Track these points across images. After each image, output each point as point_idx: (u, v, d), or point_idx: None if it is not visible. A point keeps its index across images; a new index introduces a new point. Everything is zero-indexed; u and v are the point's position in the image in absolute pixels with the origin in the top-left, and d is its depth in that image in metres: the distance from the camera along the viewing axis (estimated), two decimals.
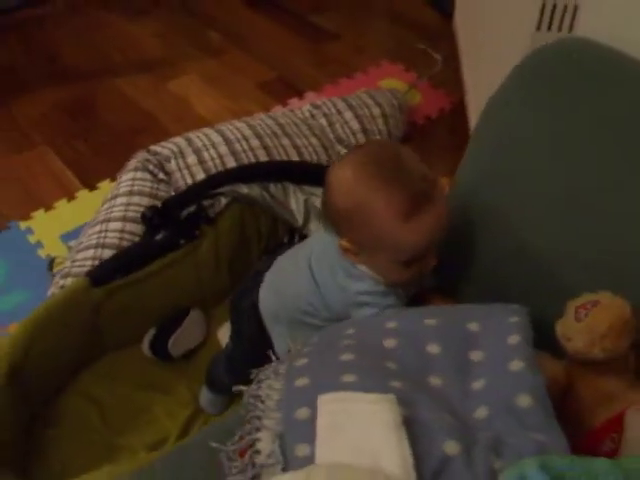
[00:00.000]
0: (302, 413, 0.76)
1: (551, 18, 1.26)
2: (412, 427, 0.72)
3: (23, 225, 1.94)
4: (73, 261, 1.59)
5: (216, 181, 1.59)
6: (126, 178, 1.74)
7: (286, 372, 0.83)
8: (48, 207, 2.01)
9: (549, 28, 1.28)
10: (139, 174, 1.73)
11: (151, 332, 1.50)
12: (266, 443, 0.76)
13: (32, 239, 1.90)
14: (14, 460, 1.28)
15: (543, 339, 0.90)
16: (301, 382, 0.80)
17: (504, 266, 1.05)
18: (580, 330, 0.86)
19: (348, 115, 2.04)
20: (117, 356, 1.50)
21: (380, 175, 0.95)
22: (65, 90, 2.49)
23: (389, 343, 0.86)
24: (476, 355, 0.84)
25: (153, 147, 1.85)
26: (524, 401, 0.76)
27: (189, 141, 1.87)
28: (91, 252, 1.58)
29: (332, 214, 1.02)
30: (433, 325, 0.88)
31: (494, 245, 1.06)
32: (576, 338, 0.86)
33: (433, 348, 0.85)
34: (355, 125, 2.03)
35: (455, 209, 1.10)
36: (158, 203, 1.56)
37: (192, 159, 1.82)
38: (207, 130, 1.92)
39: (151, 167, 1.77)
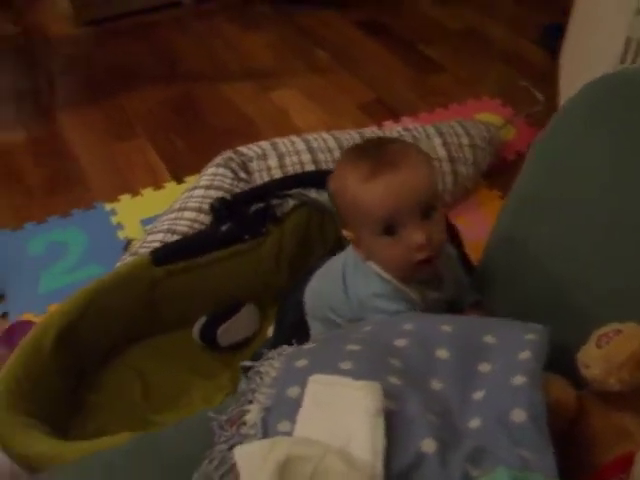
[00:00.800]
0: (293, 391, 0.76)
1: (636, 52, 1.23)
2: (395, 420, 0.72)
3: (108, 206, 2.04)
4: (143, 242, 1.66)
5: (288, 182, 1.62)
6: (208, 172, 1.81)
7: (290, 353, 0.84)
8: (135, 193, 2.10)
9: (633, 61, 1.25)
10: (221, 170, 1.80)
11: (203, 319, 1.54)
12: (253, 415, 0.77)
13: (114, 220, 2.00)
14: (54, 417, 1.33)
15: (568, 369, 0.88)
16: (300, 363, 0.81)
17: (541, 291, 1.02)
18: (598, 357, 0.82)
19: (437, 141, 2.04)
20: (169, 337, 1.54)
21: (354, 155, 1.06)
22: (174, 89, 2.61)
23: (400, 342, 0.85)
24: (484, 367, 0.83)
25: (240, 148, 1.92)
26: (519, 416, 0.74)
27: (274, 146, 1.93)
28: (160, 236, 1.65)
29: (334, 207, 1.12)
30: (448, 332, 0.86)
31: (534, 269, 1.03)
32: (594, 365, 0.83)
33: (442, 353, 0.84)
34: (442, 152, 2.02)
35: (500, 228, 1.09)
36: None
37: (274, 162, 1.87)
38: (294, 138, 1.97)
39: (234, 165, 1.82)
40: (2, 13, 2.92)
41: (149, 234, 1.69)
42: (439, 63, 2.72)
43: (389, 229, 1.01)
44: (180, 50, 2.88)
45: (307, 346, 0.85)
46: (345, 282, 1.12)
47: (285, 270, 1.62)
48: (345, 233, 1.10)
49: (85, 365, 1.43)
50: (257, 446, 0.68)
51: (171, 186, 2.12)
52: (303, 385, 0.76)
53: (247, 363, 0.88)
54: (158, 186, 2.13)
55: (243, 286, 1.58)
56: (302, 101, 2.53)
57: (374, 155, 1.03)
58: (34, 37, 2.69)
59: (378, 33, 2.93)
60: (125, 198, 2.08)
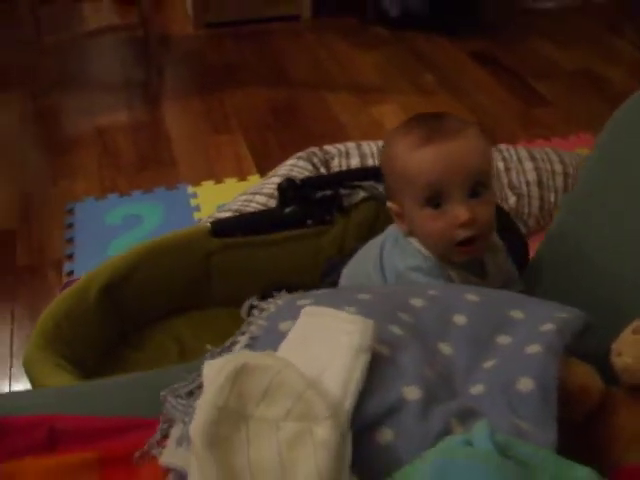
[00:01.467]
0: (285, 325, 0.72)
1: None
2: (383, 365, 0.66)
3: (191, 189, 2.07)
4: (209, 217, 1.66)
5: (361, 174, 1.58)
6: (288, 163, 1.80)
7: (297, 294, 0.80)
8: (219, 181, 2.13)
9: None
10: (301, 162, 1.79)
11: (254, 298, 1.51)
12: (241, 345, 0.74)
13: (193, 202, 2.02)
14: (88, 364, 1.33)
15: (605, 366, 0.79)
16: (302, 302, 0.76)
17: (596, 288, 0.93)
18: (633, 343, 0.73)
19: (528, 165, 1.96)
20: (217, 312, 1.52)
21: (407, 125, 1.03)
22: (277, 93, 2.66)
23: (416, 302, 0.79)
24: (503, 339, 0.75)
25: (325, 146, 1.91)
26: (526, 385, 0.67)
27: (359, 147, 1.90)
28: (229, 214, 1.65)
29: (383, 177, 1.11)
30: (473, 300, 0.80)
31: (584, 265, 0.95)
32: (626, 352, 0.74)
33: (460, 319, 0.77)
34: (532, 176, 1.93)
35: (554, 226, 1.03)
36: None
37: (355, 161, 1.85)
38: (380, 142, 1.94)
39: (315, 160, 1.81)
40: (129, 7, 3.06)
41: (218, 212, 1.69)
42: (547, 99, 2.63)
43: (434, 199, 0.97)
44: (290, 59, 2.92)
45: (317, 291, 0.81)
46: (382, 261, 1.08)
47: None
48: (389, 205, 1.06)
49: (127, 326, 1.43)
50: (222, 359, 0.64)
51: (254, 179, 2.13)
52: (296, 320, 0.72)
53: (254, 302, 0.84)
54: (242, 178, 2.15)
55: (300, 272, 1.54)
56: (400, 116, 2.50)
57: (427, 125, 1.00)
58: (153, 32, 2.79)
59: (489, 64, 2.87)
60: (208, 184, 2.11)
